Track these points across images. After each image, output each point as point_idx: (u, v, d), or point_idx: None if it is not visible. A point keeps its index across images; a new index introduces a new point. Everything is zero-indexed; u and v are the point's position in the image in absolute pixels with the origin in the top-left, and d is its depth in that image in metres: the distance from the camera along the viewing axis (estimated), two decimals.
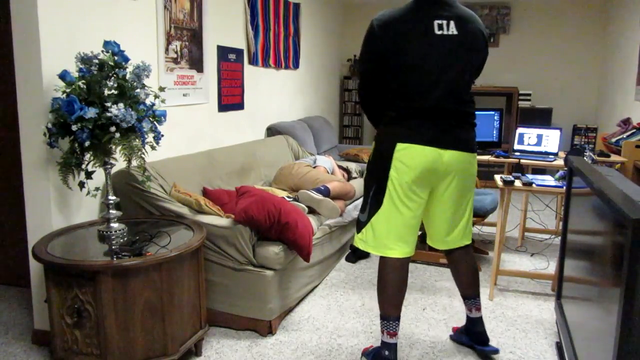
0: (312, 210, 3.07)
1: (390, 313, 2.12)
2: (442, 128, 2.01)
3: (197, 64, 3.31)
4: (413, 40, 1.96)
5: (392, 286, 2.12)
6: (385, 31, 1.98)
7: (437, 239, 2.26)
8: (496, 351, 2.31)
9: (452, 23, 1.97)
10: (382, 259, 2.14)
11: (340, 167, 3.99)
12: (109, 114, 1.96)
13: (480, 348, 2.31)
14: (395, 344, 2.14)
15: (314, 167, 3.75)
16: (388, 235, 2.08)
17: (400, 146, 2.00)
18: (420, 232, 3.70)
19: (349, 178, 3.90)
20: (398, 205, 2.04)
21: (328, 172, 3.77)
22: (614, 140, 4.63)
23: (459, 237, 2.23)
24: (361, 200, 2.22)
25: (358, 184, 3.96)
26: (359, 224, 2.18)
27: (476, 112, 2.23)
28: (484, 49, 2.09)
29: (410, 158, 1.99)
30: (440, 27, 1.97)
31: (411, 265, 3.49)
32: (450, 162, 2.03)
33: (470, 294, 2.30)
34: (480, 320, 2.31)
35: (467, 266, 2.28)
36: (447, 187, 2.10)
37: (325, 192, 3.11)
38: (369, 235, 2.13)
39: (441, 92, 1.98)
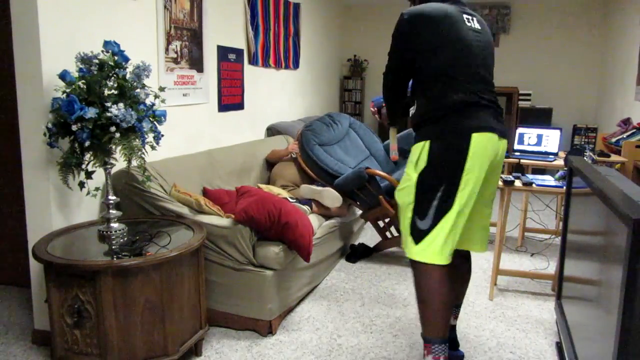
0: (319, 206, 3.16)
1: (441, 335, 1.88)
2: (494, 116, 1.90)
3: (197, 64, 3.31)
4: (455, 26, 1.89)
5: (447, 299, 1.88)
6: (420, 20, 1.88)
7: (474, 240, 2.07)
8: (462, 357, 2.25)
9: (474, 19, 1.97)
10: (433, 268, 1.87)
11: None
12: (109, 114, 1.96)
13: (450, 352, 2.21)
14: None
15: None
16: (449, 240, 1.85)
17: (476, 136, 1.82)
18: None
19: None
20: (465, 205, 1.85)
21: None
22: (614, 140, 4.63)
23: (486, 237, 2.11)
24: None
25: None
26: (419, 233, 1.88)
27: None
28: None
29: (483, 149, 1.83)
30: (469, 20, 1.94)
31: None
32: (502, 152, 1.94)
33: (459, 302, 2.23)
34: (454, 327, 2.25)
35: (468, 272, 2.20)
36: (494, 180, 1.99)
37: None
38: (434, 244, 1.85)
39: (482, 82, 1.93)
